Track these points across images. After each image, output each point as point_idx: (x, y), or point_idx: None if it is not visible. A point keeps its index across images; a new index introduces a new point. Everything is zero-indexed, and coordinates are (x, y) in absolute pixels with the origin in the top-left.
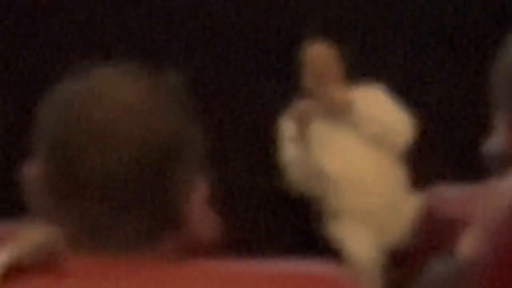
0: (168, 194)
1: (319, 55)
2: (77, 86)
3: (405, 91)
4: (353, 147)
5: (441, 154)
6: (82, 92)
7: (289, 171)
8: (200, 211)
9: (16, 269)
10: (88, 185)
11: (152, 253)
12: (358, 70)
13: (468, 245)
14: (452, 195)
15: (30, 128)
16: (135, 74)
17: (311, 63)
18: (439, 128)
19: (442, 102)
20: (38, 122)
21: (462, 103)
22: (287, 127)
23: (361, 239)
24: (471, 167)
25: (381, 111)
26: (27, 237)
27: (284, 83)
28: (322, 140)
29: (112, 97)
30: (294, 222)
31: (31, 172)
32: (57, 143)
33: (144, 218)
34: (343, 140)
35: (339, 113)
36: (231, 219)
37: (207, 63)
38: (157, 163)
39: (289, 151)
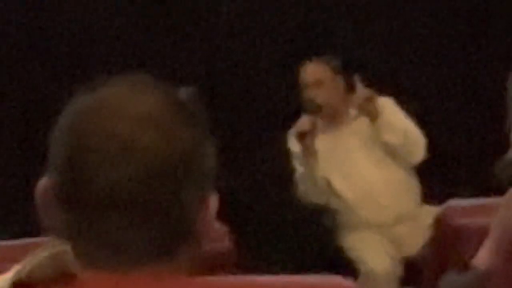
0: (181, 208)
1: (314, 74)
2: (90, 99)
3: (418, 104)
4: (363, 161)
5: (456, 166)
6: (95, 105)
7: (299, 185)
8: (211, 225)
9: (27, 285)
10: (101, 198)
11: (166, 267)
12: (366, 82)
13: (483, 257)
14: (467, 207)
15: (45, 144)
16: (149, 87)
17: (308, 83)
18: (454, 140)
19: (456, 113)
20: (52, 138)
21: (477, 116)
22: (293, 143)
23: (377, 251)
24: (486, 179)
25: (402, 121)
26: (38, 253)
27: (297, 96)
28: (329, 156)
29: (126, 109)
30: (309, 234)
31: (44, 187)
32: (70, 156)
33: (158, 231)
34: (352, 155)
35: (369, 117)
36: (243, 231)
37: (220, 76)
38: (171, 176)
39: (297, 166)
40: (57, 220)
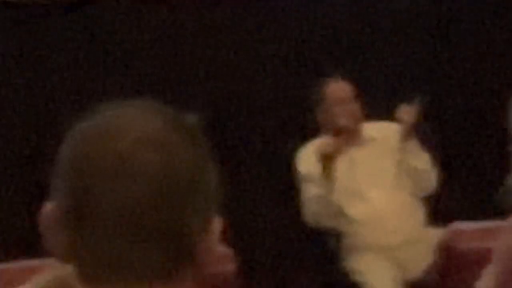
0: (185, 230)
1: (344, 91)
2: (94, 122)
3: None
4: (371, 184)
5: (461, 190)
6: (98, 127)
7: (309, 207)
8: (215, 248)
9: None
10: (104, 218)
11: (170, 286)
12: (376, 109)
13: (487, 281)
14: (471, 231)
15: (49, 169)
16: (153, 110)
17: (337, 99)
18: (460, 163)
19: (461, 136)
20: (56, 161)
21: (482, 138)
22: (307, 164)
23: (383, 274)
24: (491, 203)
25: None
26: (43, 276)
27: (301, 118)
28: (344, 179)
29: (130, 131)
30: (314, 256)
31: (48, 211)
32: (74, 178)
33: (161, 253)
34: (361, 178)
35: (404, 136)
36: (249, 253)
37: (225, 96)
38: (175, 197)
39: (309, 188)
40: (61, 243)
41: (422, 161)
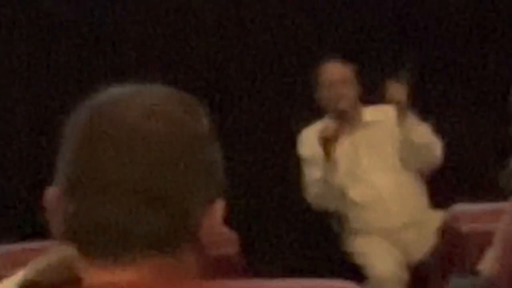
0: (186, 201)
1: (341, 73)
2: (99, 96)
3: (423, 112)
4: (373, 167)
5: (463, 172)
6: (103, 99)
7: (311, 190)
8: (218, 230)
9: None
10: (106, 184)
11: (166, 264)
12: (375, 91)
13: (489, 262)
14: (472, 213)
15: (55, 150)
16: (158, 86)
17: (332, 81)
18: (460, 145)
19: (461, 121)
20: (62, 132)
21: (483, 120)
22: (309, 147)
23: (384, 256)
24: (492, 185)
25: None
26: (46, 257)
27: (304, 100)
28: (345, 162)
29: (135, 101)
30: (316, 239)
31: (52, 193)
32: (78, 145)
33: (161, 221)
34: (362, 161)
35: (400, 114)
36: (251, 237)
37: (227, 79)
38: (176, 165)
39: (312, 171)
40: (63, 217)
41: (423, 135)
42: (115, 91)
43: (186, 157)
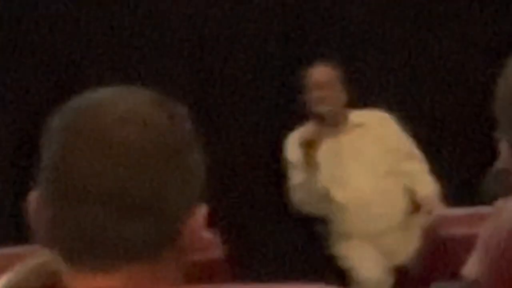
0: (165, 206)
1: (324, 76)
2: (78, 101)
3: (410, 118)
4: (356, 170)
5: (447, 175)
6: (81, 105)
7: (295, 194)
8: (199, 234)
9: None
10: (86, 192)
11: (147, 270)
12: (362, 94)
13: (472, 267)
14: (456, 217)
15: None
16: (138, 91)
17: (317, 84)
18: (446, 150)
19: (449, 123)
20: (42, 139)
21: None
22: (292, 151)
23: (369, 260)
24: (476, 188)
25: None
26: (28, 262)
27: (290, 102)
28: (328, 165)
29: (113, 107)
30: (301, 243)
31: (33, 197)
32: (55, 152)
33: (140, 230)
34: (346, 164)
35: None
36: (236, 238)
37: (213, 82)
38: (155, 173)
39: (295, 175)
40: (44, 223)
41: (428, 189)
42: (94, 95)
43: (164, 163)
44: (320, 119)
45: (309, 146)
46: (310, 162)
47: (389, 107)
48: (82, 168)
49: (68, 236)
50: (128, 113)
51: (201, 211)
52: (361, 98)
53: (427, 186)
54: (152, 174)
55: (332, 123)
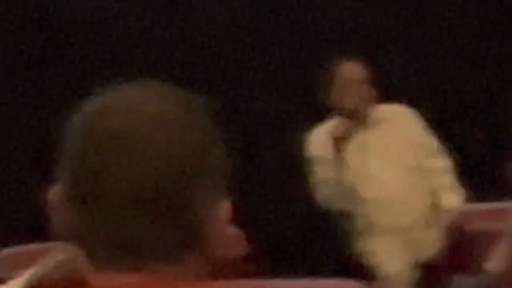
0: (193, 209)
1: (355, 73)
2: (102, 100)
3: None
4: (382, 166)
5: (473, 170)
6: (106, 105)
7: (321, 190)
8: (224, 231)
9: None
10: (113, 197)
11: (176, 269)
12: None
13: (496, 261)
14: (481, 212)
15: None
16: (160, 89)
17: (347, 81)
18: (472, 145)
19: (474, 117)
20: (64, 139)
21: (496, 119)
22: (317, 147)
23: (393, 255)
24: (500, 185)
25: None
26: (51, 258)
27: (311, 100)
28: (355, 160)
29: (137, 108)
30: (326, 239)
31: (57, 192)
32: (82, 155)
33: (169, 232)
34: (372, 160)
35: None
36: (260, 237)
37: (236, 78)
38: (182, 175)
39: (321, 171)
40: (68, 223)
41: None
42: (117, 95)
43: (190, 164)
44: (350, 115)
45: (339, 141)
46: (339, 157)
47: (412, 103)
48: (108, 171)
49: (94, 238)
50: (153, 114)
51: (225, 208)
52: (383, 94)
53: (449, 196)
54: (177, 178)
55: (360, 120)
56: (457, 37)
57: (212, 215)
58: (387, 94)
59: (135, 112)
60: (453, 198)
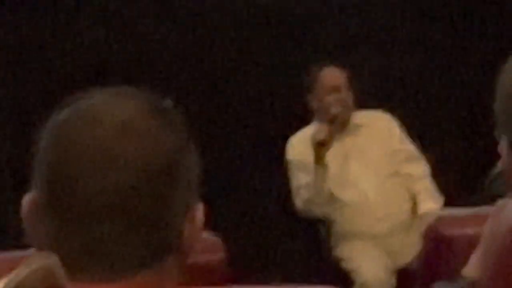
0: (167, 216)
1: (337, 79)
2: (71, 110)
3: (414, 118)
4: (360, 172)
5: (449, 175)
6: (76, 114)
7: (300, 194)
8: (198, 235)
9: None
10: (86, 207)
11: (153, 277)
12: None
13: (473, 266)
14: (458, 217)
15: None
16: (129, 95)
17: (329, 86)
18: (447, 149)
19: (448, 122)
20: (36, 149)
21: (470, 124)
22: (298, 151)
23: (371, 261)
24: (478, 190)
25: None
26: (26, 266)
27: (291, 105)
28: (334, 166)
29: (107, 117)
30: (303, 244)
31: (30, 201)
32: (53, 166)
33: (144, 240)
34: (350, 165)
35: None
36: (238, 241)
37: (215, 80)
38: (155, 183)
39: (300, 176)
40: (43, 232)
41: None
42: (88, 103)
43: (164, 173)
44: (332, 120)
45: (321, 146)
46: (320, 162)
47: (389, 108)
48: (79, 184)
49: (71, 249)
50: (125, 124)
51: (199, 213)
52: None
53: (427, 202)
54: (151, 186)
55: (341, 125)
56: (435, 36)
57: (188, 219)
58: (365, 99)
59: (104, 121)
60: (430, 203)
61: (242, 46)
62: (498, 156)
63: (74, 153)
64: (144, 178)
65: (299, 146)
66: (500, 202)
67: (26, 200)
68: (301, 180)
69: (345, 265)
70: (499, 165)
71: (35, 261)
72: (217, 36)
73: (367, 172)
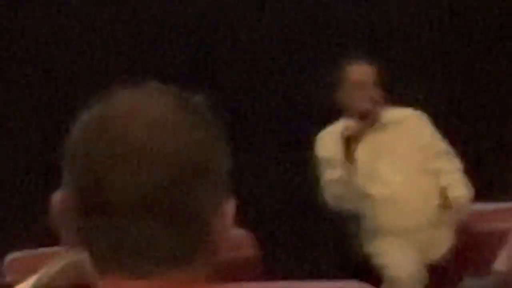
0: (198, 213)
1: (365, 75)
2: (102, 107)
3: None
4: (390, 167)
5: (482, 169)
6: (107, 112)
7: (329, 190)
8: (229, 231)
9: None
10: (119, 205)
11: (184, 274)
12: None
13: (503, 261)
14: (490, 212)
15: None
16: (160, 92)
17: (358, 82)
18: (476, 142)
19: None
20: (66, 147)
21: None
22: (327, 147)
23: (402, 256)
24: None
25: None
26: (56, 262)
27: (319, 100)
28: (364, 161)
29: (139, 114)
30: (334, 240)
31: (61, 198)
32: (86, 164)
33: (175, 237)
34: (380, 161)
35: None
36: (267, 237)
37: (242, 78)
38: (187, 180)
39: (330, 171)
40: (75, 230)
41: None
42: (118, 100)
43: (195, 167)
44: (361, 116)
45: (350, 142)
46: (349, 158)
47: (419, 105)
48: (112, 181)
49: (102, 245)
50: (154, 119)
51: (230, 209)
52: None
53: (458, 189)
54: (184, 181)
55: (370, 121)
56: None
57: (218, 216)
58: (395, 97)
59: (136, 118)
60: (462, 190)
61: (269, 43)
62: None
63: (105, 150)
64: (176, 175)
65: (328, 142)
66: None
67: (57, 198)
68: (330, 175)
69: (376, 260)
70: None
71: (65, 258)
72: (242, 32)
73: (397, 168)
